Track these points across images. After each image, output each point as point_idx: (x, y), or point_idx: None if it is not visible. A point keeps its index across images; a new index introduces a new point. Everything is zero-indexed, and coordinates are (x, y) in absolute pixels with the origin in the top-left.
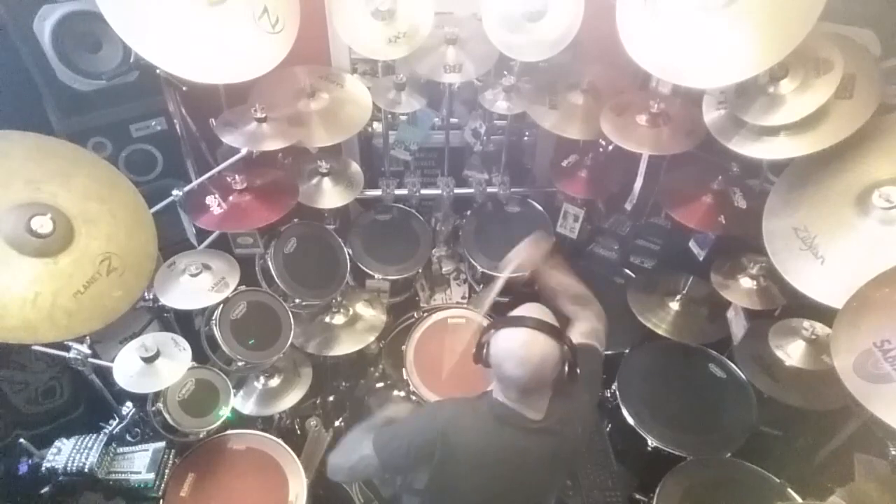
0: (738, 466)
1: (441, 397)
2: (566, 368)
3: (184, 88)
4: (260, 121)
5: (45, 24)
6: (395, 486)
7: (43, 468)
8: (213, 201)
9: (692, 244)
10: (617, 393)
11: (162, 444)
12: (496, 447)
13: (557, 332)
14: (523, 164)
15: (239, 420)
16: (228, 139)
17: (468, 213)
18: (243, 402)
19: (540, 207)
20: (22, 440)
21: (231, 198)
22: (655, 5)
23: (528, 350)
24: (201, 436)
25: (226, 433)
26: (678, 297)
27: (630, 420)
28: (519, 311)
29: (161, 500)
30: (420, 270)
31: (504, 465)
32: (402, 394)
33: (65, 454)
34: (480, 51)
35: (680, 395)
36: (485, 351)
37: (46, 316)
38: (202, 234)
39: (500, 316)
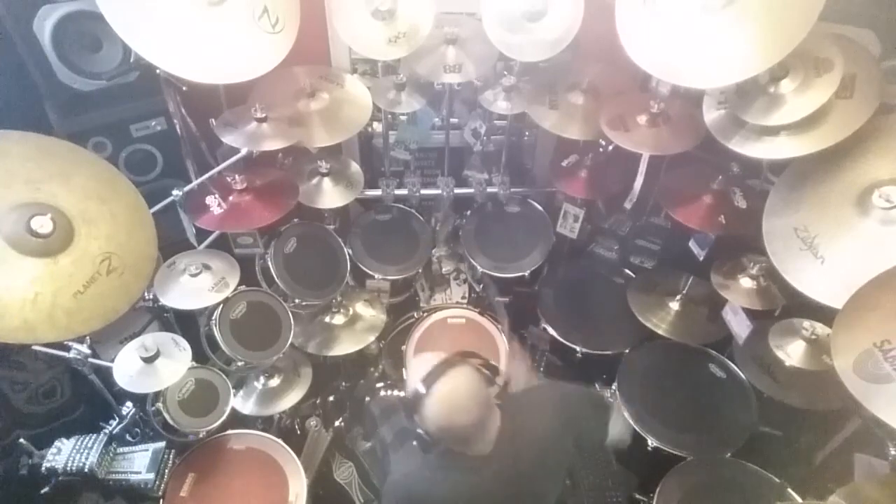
0: (738, 466)
1: None
2: (494, 383)
3: (184, 88)
4: (260, 121)
5: (45, 24)
6: None
7: (43, 468)
8: (213, 201)
9: (692, 244)
10: (617, 393)
11: (162, 444)
12: (457, 495)
13: (454, 359)
14: (523, 164)
15: (239, 420)
16: (228, 139)
17: (468, 213)
18: (243, 402)
19: (540, 207)
20: (22, 440)
21: (231, 198)
22: (655, 5)
23: (454, 398)
24: (201, 436)
25: (226, 433)
26: (678, 297)
27: (630, 420)
28: (413, 377)
29: (161, 500)
30: (420, 270)
31: None
32: (402, 394)
33: (65, 454)
34: (480, 51)
35: (680, 395)
36: (427, 435)
37: (46, 316)
38: (202, 234)
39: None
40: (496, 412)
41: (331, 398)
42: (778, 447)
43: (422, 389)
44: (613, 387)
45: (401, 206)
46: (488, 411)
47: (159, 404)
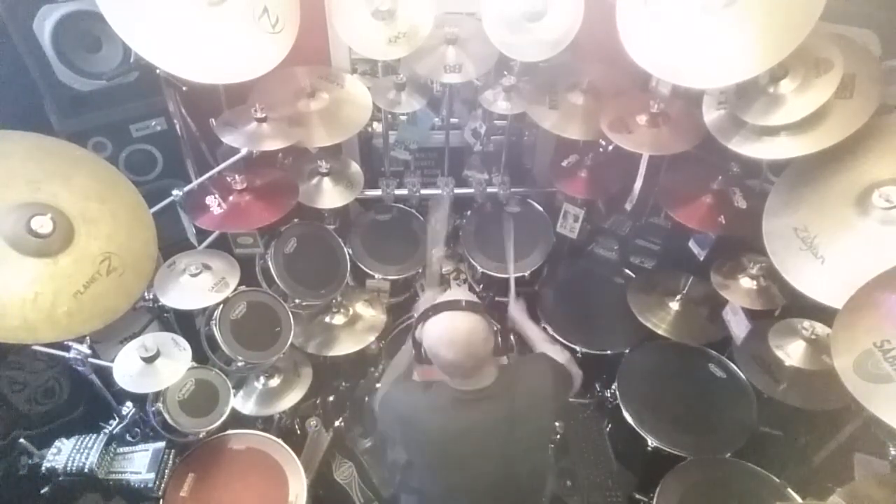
0: (738, 466)
1: None
2: (498, 338)
3: (184, 88)
4: (260, 121)
5: (45, 24)
6: (394, 485)
7: (43, 468)
8: (213, 201)
9: (692, 244)
10: (617, 393)
11: (162, 444)
12: (458, 427)
13: (474, 305)
14: (523, 164)
15: (239, 420)
16: (228, 139)
17: (468, 213)
18: (243, 402)
19: (540, 207)
20: (22, 440)
21: (231, 198)
22: (656, 5)
23: (455, 332)
24: (201, 436)
25: (226, 433)
26: (678, 297)
27: (630, 420)
28: (440, 299)
29: (161, 500)
30: (420, 270)
31: (468, 441)
32: None
33: (65, 454)
34: (480, 51)
35: (680, 395)
36: (422, 350)
37: (46, 316)
38: (202, 234)
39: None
40: (494, 364)
41: (331, 398)
42: (778, 447)
43: (432, 313)
44: (613, 387)
45: (401, 206)
46: (480, 361)
47: (159, 404)
